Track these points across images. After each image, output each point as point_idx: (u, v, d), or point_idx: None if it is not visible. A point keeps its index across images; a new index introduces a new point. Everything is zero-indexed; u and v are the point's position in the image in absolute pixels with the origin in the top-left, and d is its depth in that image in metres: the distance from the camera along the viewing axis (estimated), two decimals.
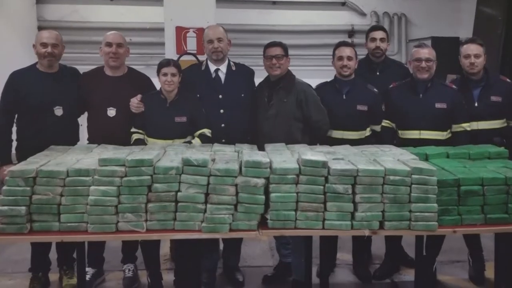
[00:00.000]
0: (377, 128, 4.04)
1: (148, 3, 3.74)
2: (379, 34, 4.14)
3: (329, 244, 3.77)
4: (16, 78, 3.61)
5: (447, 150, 3.69)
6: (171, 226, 3.43)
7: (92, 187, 3.16)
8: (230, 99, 3.78)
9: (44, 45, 3.58)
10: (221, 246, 4.42)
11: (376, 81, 4.04)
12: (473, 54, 3.87)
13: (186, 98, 3.80)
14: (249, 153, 3.48)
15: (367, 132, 3.98)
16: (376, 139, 4.08)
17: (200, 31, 3.57)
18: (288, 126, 3.81)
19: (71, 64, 3.72)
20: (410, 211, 3.43)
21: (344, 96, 3.93)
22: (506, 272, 3.57)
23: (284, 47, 3.83)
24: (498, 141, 3.82)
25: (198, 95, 3.79)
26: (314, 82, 3.99)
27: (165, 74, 3.66)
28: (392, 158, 3.48)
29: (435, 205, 3.42)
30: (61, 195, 3.17)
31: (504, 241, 3.53)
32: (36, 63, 3.62)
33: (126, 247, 4.23)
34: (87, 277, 3.86)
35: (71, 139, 3.72)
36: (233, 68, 3.86)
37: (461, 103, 3.91)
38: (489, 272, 3.80)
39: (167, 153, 3.40)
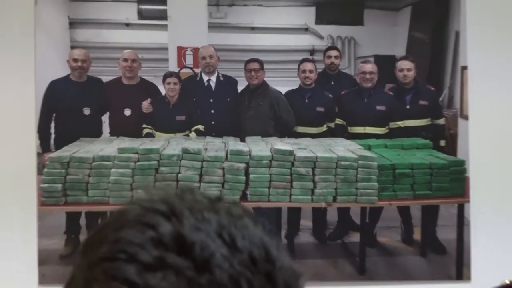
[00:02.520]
0: (332, 124, 3.99)
1: (156, 28, 3.68)
2: (333, 53, 4.09)
3: (295, 213, 3.79)
4: (54, 86, 3.58)
5: (385, 142, 3.72)
6: None
7: (112, 170, 3.30)
8: (219, 102, 3.78)
9: (75, 60, 3.61)
10: None
11: (331, 89, 3.99)
12: (406, 68, 3.86)
13: (185, 101, 3.78)
14: (233, 144, 3.56)
15: (324, 128, 3.93)
16: (330, 133, 4.08)
17: (196, 50, 3.53)
18: (264, 123, 3.81)
19: (96, 75, 3.71)
20: (356, 188, 3.55)
21: (306, 100, 3.91)
22: (429, 235, 3.62)
23: (261, 62, 3.83)
24: (424, 135, 3.81)
25: (194, 99, 3.77)
26: (283, 90, 3.91)
27: (169, 83, 3.68)
28: (343, 148, 3.56)
29: (376, 184, 3.53)
30: (89, 176, 3.29)
31: (428, 211, 3.60)
32: (69, 74, 3.61)
33: None
34: None
35: (96, 133, 3.71)
36: (221, 78, 3.84)
37: (396, 106, 3.95)
38: (417, 235, 3.74)
39: (170, 144, 3.47)
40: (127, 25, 3.49)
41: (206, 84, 3.70)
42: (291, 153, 3.50)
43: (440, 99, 3.59)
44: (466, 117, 3.54)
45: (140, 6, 3.48)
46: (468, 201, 3.57)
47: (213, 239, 0.89)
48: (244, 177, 3.46)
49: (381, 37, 3.62)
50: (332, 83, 3.68)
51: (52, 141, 3.46)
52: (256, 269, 0.89)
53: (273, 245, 0.93)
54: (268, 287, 0.88)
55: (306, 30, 3.58)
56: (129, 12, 3.42)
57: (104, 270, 0.89)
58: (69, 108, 3.51)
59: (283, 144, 3.58)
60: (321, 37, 3.60)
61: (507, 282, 1.80)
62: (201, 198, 0.96)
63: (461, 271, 3.53)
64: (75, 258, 1.04)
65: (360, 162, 3.58)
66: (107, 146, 3.45)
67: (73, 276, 0.96)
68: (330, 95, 3.77)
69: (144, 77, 3.60)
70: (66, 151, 3.37)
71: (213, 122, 3.69)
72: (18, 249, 3.32)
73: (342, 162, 3.54)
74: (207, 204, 0.95)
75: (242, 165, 3.44)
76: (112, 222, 0.95)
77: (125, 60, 3.55)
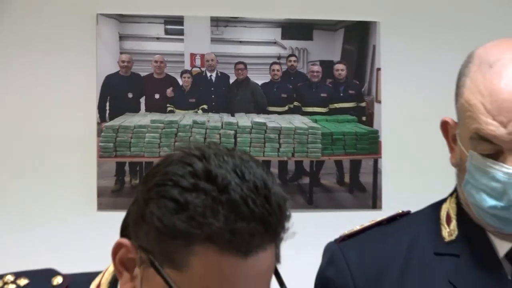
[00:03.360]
0: (292, 106, 3.95)
1: (176, 41, 3.70)
2: (293, 59, 4.00)
3: (266, 164, 3.48)
4: (108, 78, 3.61)
5: (326, 117, 3.81)
6: None
7: (147, 134, 3.45)
8: (217, 90, 3.83)
9: (123, 62, 3.63)
10: None
11: (291, 82, 3.97)
12: (340, 69, 3.87)
13: (195, 89, 3.78)
14: (226, 118, 3.67)
15: (286, 108, 3.92)
16: (290, 111, 3.91)
17: (202, 56, 3.76)
18: (247, 104, 3.87)
19: (136, 72, 3.71)
20: (307, 148, 3.64)
21: (275, 89, 3.91)
22: (354, 179, 3.74)
23: (245, 64, 3.87)
24: (352, 113, 3.85)
25: (201, 88, 3.80)
26: (260, 82, 3.95)
27: (184, 77, 3.71)
28: (299, 121, 3.71)
29: (320, 145, 3.61)
30: (131, 138, 3.43)
31: (354, 163, 3.72)
32: (119, 70, 3.64)
33: None
34: None
35: (136, 110, 3.69)
36: (219, 74, 3.86)
37: (334, 94, 3.89)
38: (346, 179, 3.82)
39: (185, 117, 3.56)
40: (157, 38, 3.62)
41: (209, 78, 3.80)
42: (264, 124, 3.63)
43: (363, 89, 3.75)
44: (379, 102, 3.68)
45: (166, 26, 3.59)
46: (380, 157, 3.66)
47: (230, 173, 0.98)
48: (233, 140, 3.60)
49: (324, 48, 3.72)
50: (292, 78, 3.60)
51: (107, 115, 3.55)
52: (257, 193, 0.98)
53: (269, 179, 1.02)
54: (266, 205, 0.97)
55: (274, 43, 3.77)
56: (159, 30, 3.60)
57: (157, 192, 0.99)
58: (118, 93, 3.59)
59: (259, 118, 3.71)
60: (284, 48, 3.45)
61: (400, 211, 1.65)
62: (221, 148, 1.06)
63: (375, 203, 3.67)
64: (137, 187, 1.11)
65: (310, 130, 3.65)
66: (143, 118, 3.53)
67: (136, 198, 1.05)
68: (290, 86, 3.88)
69: (168, 73, 3.78)
70: (117, 121, 3.45)
71: (213, 103, 3.79)
72: (83, 186, 3.40)
73: (298, 130, 3.64)
74: (226, 152, 1.04)
75: (232, 132, 3.60)
76: (163, 162, 1.05)
77: (156, 62, 3.66)
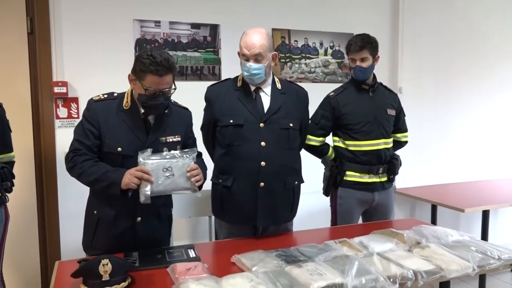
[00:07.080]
0: (195, 49, 5.02)
1: (157, 27, 4.88)
2: (194, 35, 5.01)
3: (185, 67, 4.81)
4: (137, 40, 4.76)
5: (205, 54, 4.95)
6: None
7: None
8: (173, 45, 4.91)
9: (141, 35, 4.81)
10: None
11: (194, 42, 5.06)
12: (208, 38, 4.96)
13: (165, 44, 4.89)
14: (175, 53, 4.75)
15: (193, 50, 5.00)
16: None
17: (167, 33, 4.89)
18: (181, 48, 4.96)
19: (145, 37, 4.86)
20: (199, 62, 4.82)
21: (189, 44, 4.97)
22: (213, 71, 4.88)
23: (180, 36, 4.93)
24: (213, 53, 5.07)
25: (167, 43, 4.93)
26: (184, 41, 5.01)
27: (161, 39, 4.85)
28: (197, 54, 4.84)
29: (203, 61, 4.77)
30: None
31: (213, 67, 4.86)
32: (140, 37, 4.82)
33: None
34: None
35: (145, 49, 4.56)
36: (173, 39, 4.92)
37: (208, 46, 4.99)
38: (211, 72, 5.01)
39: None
40: (153, 27, 4.89)
41: (170, 40, 4.96)
42: (186, 55, 4.85)
43: (215, 45, 5.01)
44: (220, 48, 5.05)
45: (155, 24, 4.86)
46: (221, 65, 5.09)
47: (158, 54, 2.90)
48: (175, 57, 4.72)
49: (203, 33, 4.91)
50: (194, 41, 5.08)
51: (137, 50, 4.76)
52: (166, 61, 2.91)
53: (171, 58, 2.95)
54: (168, 64, 2.90)
55: (189, 30, 5.05)
56: (154, 24, 4.87)
57: (137, 58, 3.04)
58: (140, 44, 4.79)
59: (184, 53, 4.84)
60: (191, 32, 5.05)
61: (229, 77, 3.17)
62: (161, 49, 2.90)
63: (219, 78, 4.91)
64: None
65: (200, 56, 4.88)
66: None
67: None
68: (194, 43, 5.02)
69: (156, 38, 4.93)
70: (139, 52, 3.75)
71: (170, 48, 4.96)
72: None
73: (196, 56, 4.89)
74: (162, 50, 2.91)
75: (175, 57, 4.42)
76: (143, 50, 3.02)
77: (153, 35, 4.83)
